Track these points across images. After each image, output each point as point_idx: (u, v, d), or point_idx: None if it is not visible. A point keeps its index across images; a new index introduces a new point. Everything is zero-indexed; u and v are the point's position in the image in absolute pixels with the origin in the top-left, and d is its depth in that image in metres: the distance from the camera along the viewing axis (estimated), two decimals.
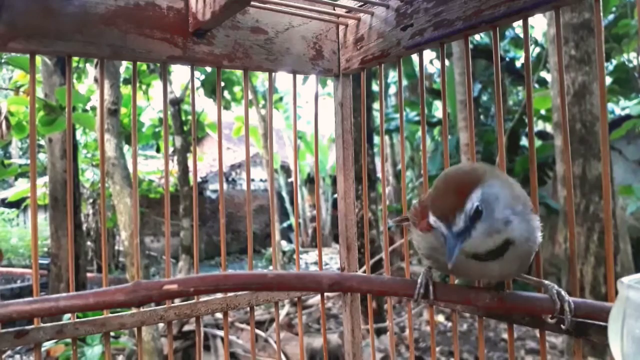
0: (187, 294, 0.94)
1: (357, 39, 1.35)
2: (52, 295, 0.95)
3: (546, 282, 0.94)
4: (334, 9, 1.36)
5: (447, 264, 0.79)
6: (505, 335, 5.71)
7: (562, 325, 0.91)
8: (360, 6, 1.30)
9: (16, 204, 12.30)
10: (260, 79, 10.89)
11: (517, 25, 8.24)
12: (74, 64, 5.10)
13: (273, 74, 1.38)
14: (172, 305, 1.20)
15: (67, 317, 1.11)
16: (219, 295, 1.23)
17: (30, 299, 0.92)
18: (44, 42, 1.03)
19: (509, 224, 0.82)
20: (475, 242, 0.80)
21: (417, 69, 9.33)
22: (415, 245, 1.00)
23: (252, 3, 1.15)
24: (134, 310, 1.14)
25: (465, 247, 0.80)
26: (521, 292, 0.95)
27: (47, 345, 2.72)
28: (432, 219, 0.82)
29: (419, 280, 0.98)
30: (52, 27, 1.03)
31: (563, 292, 0.90)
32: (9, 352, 5.37)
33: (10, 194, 12.14)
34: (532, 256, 0.90)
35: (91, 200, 10.66)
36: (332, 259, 11.72)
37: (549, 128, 9.56)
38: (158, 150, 11.72)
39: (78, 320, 1.10)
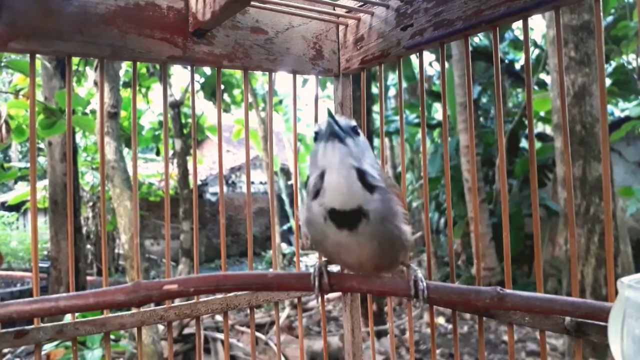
0: (187, 294, 0.94)
1: (357, 39, 1.35)
2: (52, 295, 0.95)
3: (413, 267, 1.02)
4: (334, 9, 1.36)
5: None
6: (505, 337, 5.70)
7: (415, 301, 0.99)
8: (360, 6, 1.30)
9: (16, 208, 12.31)
10: (260, 82, 10.90)
11: (517, 27, 8.26)
12: (74, 67, 5.10)
13: (273, 74, 1.38)
14: (172, 305, 1.20)
15: (67, 317, 1.11)
16: (219, 295, 1.23)
17: (30, 299, 0.92)
18: (44, 42, 1.03)
19: (373, 190, 0.87)
20: (342, 155, 0.86)
21: (416, 71, 9.36)
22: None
23: (252, 3, 1.15)
24: (134, 310, 1.14)
25: (330, 150, 0.87)
26: (521, 292, 0.95)
27: (47, 348, 2.72)
28: (316, 126, 0.90)
29: (312, 273, 1.01)
30: (52, 27, 1.04)
31: (419, 275, 0.99)
32: (8, 356, 5.35)
33: (10, 197, 12.14)
34: (397, 245, 0.95)
35: (91, 204, 10.65)
36: None
37: (548, 130, 9.57)
38: (158, 153, 11.71)
39: (78, 320, 1.10)
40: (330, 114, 0.87)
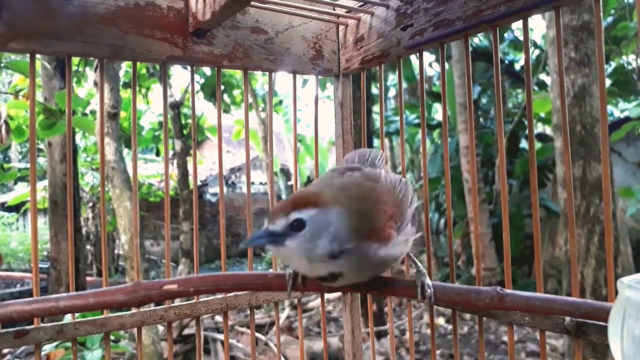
0: (187, 294, 0.94)
1: (357, 39, 1.35)
2: (52, 295, 0.95)
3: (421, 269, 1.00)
4: (334, 9, 1.36)
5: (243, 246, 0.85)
6: (505, 338, 5.70)
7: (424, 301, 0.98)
8: (360, 6, 1.30)
9: (16, 208, 12.31)
10: (260, 82, 10.90)
11: (516, 27, 8.27)
12: (73, 68, 5.10)
13: (273, 74, 1.38)
14: (172, 305, 1.20)
15: (67, 318, 1.11)
16: (219, 295, 1.23)
17: (30, 299, 0.92)
18: (44, 42, 1.03)
19: (336, 258, 0.84)
20: (287, 252, 0.84)
21: (416, 71, 9.36)
22: None
23: (252, 3, 1.15)
24: (134, 310, 1.14)
25: (275, 251, 0.86)
26: (521, 292, 0.95)
27: (47, 349, 2.72)
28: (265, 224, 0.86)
29: (287, 273, 1.01)
30: (52, 27, 1.04)
31: (426, 280, 0.98)
32: (8, 357, 5.35)
33: (9, 198, 12.14)
34: (386, 266, 0.95)
35: (91, 204, 10.65)
36: None
37: (548, 130, 9.57)
38: (158, 154, 11.71)
39: (78, 320, 1.10)
40: (267, 226, 0.85)
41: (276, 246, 0.84)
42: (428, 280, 0.98)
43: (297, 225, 0.82)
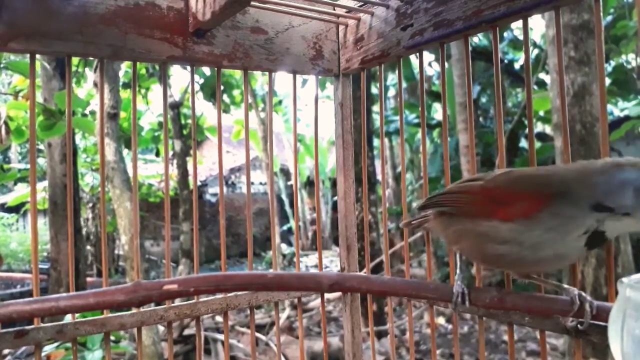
0: (187, 294, 0.94)
1: (357, 39, 1.35)
2: (52, 295, 0.95)
3: (565, 285, 0.91)
4: (334, 9, 1.36)
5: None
6: (505, 337, 5.70)
7: (579, 326, 0.89)
8: (360, 6, 1.30)
9: (16, 209, 12.31)
10: (260, 82, 10.90)
11: (516, 27, 8.26)
12: (73, 69, 5.10)
13: (273, 74, 1.38)
14: (172, 305, 1.20)
15: (67, 318, 1.11)
16: (219, 295, 1.23)
17: (30, 299, 0.92)
18: (44, 42, 1.03)
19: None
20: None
21: (416, 71, 9.36)
22: (462, 243, 0.93)
23: (252, 3, 1.15)
24: (134, 310, 1.14)
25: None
26: (520, 292, 0.95)
27: (47, 349, 2.72)
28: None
29: (455, 289, 0.95)
30: (52, 27, 1.04)
31: (584, 294, 0.87)
32: (8, 358, 5.35)
33: (9, 198, 12.14)
34: None
35: (91, 205, 10.64)
36: (332, 262, 11.70)
37: (548, 129, 9.56)
38: (157, 154, 11.71)
39: (78, 320, 1.10)
40: None
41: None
42: (584, 293, 0.87)
43: None
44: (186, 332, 5.70)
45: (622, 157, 0.81)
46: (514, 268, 0.93)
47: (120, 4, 1.10)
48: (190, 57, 1.19)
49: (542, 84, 8.59)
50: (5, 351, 1.04)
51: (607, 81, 7.90)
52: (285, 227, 14.97)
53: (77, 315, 1.10)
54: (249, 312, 1.31)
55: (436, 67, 10.12)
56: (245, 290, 1.14)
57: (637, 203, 0.76)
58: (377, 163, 7.10)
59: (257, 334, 5.40)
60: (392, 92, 11.49)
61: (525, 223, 0.80)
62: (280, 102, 12.74)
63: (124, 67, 7.40)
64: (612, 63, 8.06)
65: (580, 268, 3.99)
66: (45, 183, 5.50)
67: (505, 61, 8.91)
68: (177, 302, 1.21)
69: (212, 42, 1.21)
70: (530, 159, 1.00)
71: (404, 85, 10.12)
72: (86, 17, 1.06)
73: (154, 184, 12.37)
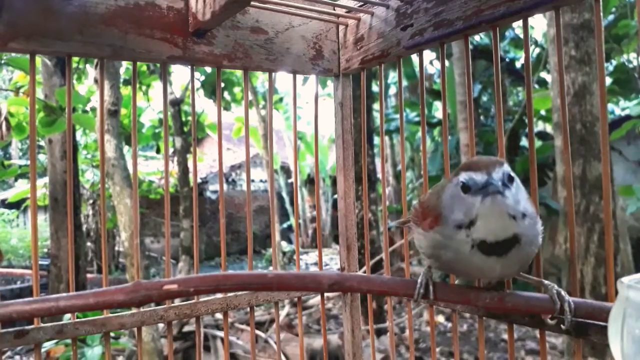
0: (187, 294, 0.94)
1: (357, 39, 1.35)
2: (52, 295, 0.95)
3: (546, 282, 0.95)
4: (334, 9, 1.36)
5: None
6: (505, 336, 5.70)
7: (561, 326, 0.92)
8: (360, 6, 1.30)
9: (16, 205, 12.31)
10: (260, 80, 10.89)
11: (517, 25, 8.24)
12: (74, 65, 5.10)
13: (273, 74, 1.38)
14: (172, 305, 1.20)
15: (67, 317, 1.11)
16: (219, 295, 1.23)
17: (30, 299, 0.92)
18: (44, 42, 1.03)
19: (524, 218, 0.83)
20: (501, 203, 0.81)
21: (417, 69, 9.33)
22: (417, 245, 1.00)
23: (252, 3, 1.15)
24: (134, 310, 1.14)
25: (485, 202, 0.82)
26: (521, 292, 0.95)
27: (47, 346, 2.72)
28: (465, 176, 0.83)
29: (419, 280, 0.99)
30: (52, 27, 1.04)
31: (563, 292, 0.91)
32: (8, 353, 5.36)
33: (10, 195, 12.14)
34: (532, 259, 0.92)
35: (91, 201, 10.65)
36: (332, 260, 11.72)
37: (548, 128, 9.55)
38: (158, 151, 11.72)
39: (78, 320, 1.10)
40: (489, 174, 0.81)
41: (493, 195, 0.81)
42: (563, 292, 0.92)
43: (510, 178, 0.82)
44: (186, 328, 5.70)
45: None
46: (449, 271, 1.02)
47: (120, 4, 1.10)
48: (190, 57, 1.19)
49: (543, 83, 8.58)
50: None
51: (609, 80, 7.90)
52: (285, 225, 14.98)
53: (77, 315, 1.10)
54: (248, 309, 1.31)
55: (437, 65, 10.11)
56: (245, 290, 1.14)
57: (465, 213, 0.84)
58: (378, 161, 7.10)
59: (257, 332, 5.41)
60: (392, 90, 11.48)
61: (429, 232, 0.93)
62: (281, 99, 12.73)
63: (125, 64, 7.39)
64: (614, 62, 8.05)
65: (580, 267, 3.99)
66: (46, 179, 5.50)
67: (506, 60, 8.89)
68: (177, 302, 1.21)
69: (212, 42, 1.21)
70: (530, 157, 1.01)
71: (405, 83, 10.11)
72: (86, 17, 1.06)
73: (155, 180, 12.37)
